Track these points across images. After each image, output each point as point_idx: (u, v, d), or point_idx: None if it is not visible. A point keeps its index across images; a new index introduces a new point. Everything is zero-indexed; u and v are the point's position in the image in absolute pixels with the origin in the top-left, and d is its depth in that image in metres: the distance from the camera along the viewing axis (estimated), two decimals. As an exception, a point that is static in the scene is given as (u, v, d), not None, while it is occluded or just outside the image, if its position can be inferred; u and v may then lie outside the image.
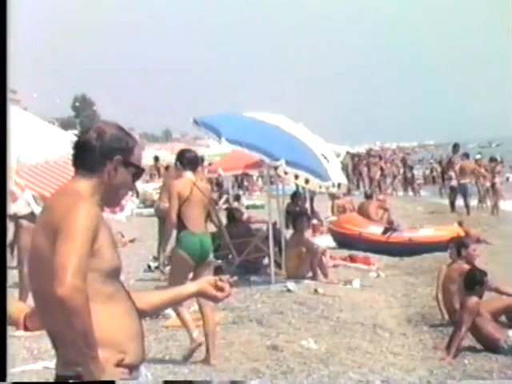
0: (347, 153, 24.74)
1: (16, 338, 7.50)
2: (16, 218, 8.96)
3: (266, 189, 16.15)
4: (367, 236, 14.92)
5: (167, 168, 17.90)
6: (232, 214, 12.60)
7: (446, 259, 10.03)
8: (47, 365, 6.18)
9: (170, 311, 7.63)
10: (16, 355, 6.80)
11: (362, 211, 16.92)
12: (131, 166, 2.76)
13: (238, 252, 11.36)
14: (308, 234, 12.31)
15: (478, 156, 25.54)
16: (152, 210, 15.62)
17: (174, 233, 7.14)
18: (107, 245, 2.63)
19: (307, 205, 18.47)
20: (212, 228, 9.85)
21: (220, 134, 10.05)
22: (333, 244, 14.79)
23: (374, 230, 15.08)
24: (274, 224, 11.48)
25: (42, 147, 9.36)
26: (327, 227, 15.89)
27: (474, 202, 22.40)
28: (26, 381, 6.11)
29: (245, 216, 14.33)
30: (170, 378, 6.22)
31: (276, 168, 10.35)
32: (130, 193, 8.93)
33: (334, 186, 10.77)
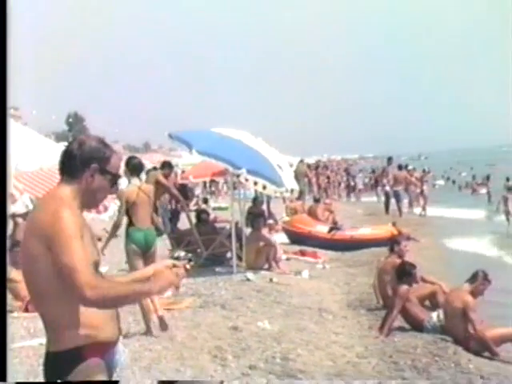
0: (301, 161, 24.63)
1: (16, 318, 7.50)
2: (14, 216, 8.91)
3: (229, 193, 16.09)
4: (315, 234, 15.01)
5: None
6: (201, 215, 12.60)
7: (381, 254, 10.16)
8: (42, 341, 6.13)
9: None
10: (15, 333, 6.80)
11: (311, 213, 16.96)
12: (107, 174, 2.74)
13: (206, 247, 11.37)
14: (265, 231, 12.34)
15: (410, 167, 25.79)
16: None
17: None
18: (88, 242, 2.63)
19: (265, 207, 18.56)
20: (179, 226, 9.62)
21: (191, 146, 10.08)
22: (286, 240, 14.87)
23: (321, 229, 15.20)
24: (237, 223, 11.49)
25: (37, 157, 9.32)
26: (281, 226, 15.88)
27: (405, 206, 22.62)
28: (23, 355, 6.09)
29: (212, 216, 14.37)
30: (146, 354, 6.22)
31: (238, 176, 10.35)
32: (114, 195, 8.89)
33: (287, 191, 10.81)
